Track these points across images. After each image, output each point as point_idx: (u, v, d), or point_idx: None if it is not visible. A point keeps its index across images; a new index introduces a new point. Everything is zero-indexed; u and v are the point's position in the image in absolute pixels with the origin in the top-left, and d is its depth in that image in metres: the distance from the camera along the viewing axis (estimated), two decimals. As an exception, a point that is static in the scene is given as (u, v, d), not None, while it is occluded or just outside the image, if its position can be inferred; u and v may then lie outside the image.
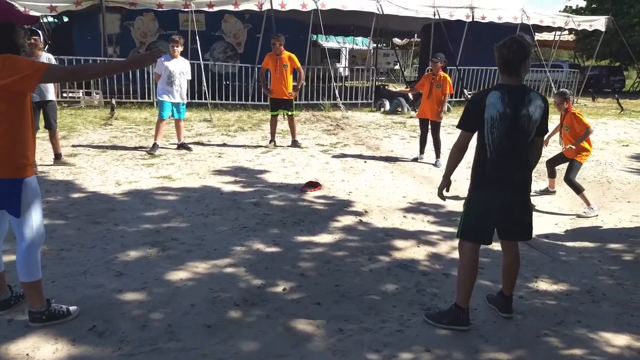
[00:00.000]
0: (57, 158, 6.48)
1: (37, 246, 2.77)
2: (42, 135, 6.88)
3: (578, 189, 5.38)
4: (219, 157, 7.35)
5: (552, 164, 5.83)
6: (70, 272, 3.48)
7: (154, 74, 7.46)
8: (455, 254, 3.99)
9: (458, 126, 2.92)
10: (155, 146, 7.45)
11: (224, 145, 8.22)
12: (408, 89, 10.07)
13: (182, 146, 7.81)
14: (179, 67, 7.39)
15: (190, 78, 7.72)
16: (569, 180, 5.41)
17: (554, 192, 5.96)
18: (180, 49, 7.40)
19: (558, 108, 5.56)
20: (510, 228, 2.97)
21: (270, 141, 8.26)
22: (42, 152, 6.89)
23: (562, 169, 5.73)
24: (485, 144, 2.83)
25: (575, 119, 5.39)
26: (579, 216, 5.24)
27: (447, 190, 3.12)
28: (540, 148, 3.08)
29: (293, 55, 7.98)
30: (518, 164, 2.87)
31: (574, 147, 5.34)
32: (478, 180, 2.92)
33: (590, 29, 16.81)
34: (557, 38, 17.94)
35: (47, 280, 3.22)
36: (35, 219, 2.73)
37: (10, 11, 2.63)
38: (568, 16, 17.11)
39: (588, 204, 5.31)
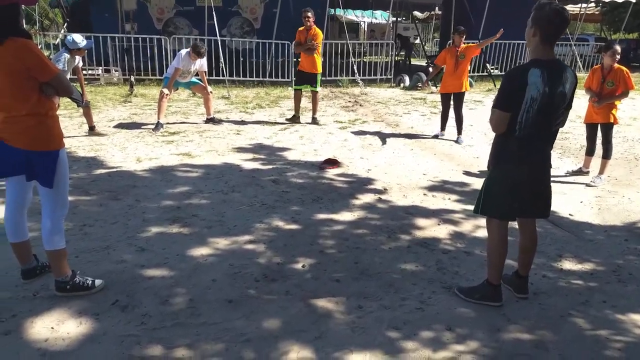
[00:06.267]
0: (91, 129, 6.81)
1: (62, 216, 2.85)
2: (62, 112, 6.94)
3: (609, 155, 5.45)
4: (238, 134, 7.33)
5: (593, 138, 5.60)
6: (94, 247, 3.53)
7: (174, 67, 7.28)
8: (478, 233, 3.96)
9: (495, 106, 2.73)
10: (158, 125, 7.26)
11: (242, 122, 8.19)
12: (430, 75, 9.47)
13: (210, 120, 7.87)
14: (195, 67, 7.42)
15: (206, 70, 7.74)
16: (610, 142, 5.45)
17: (588, 172, 5.67)
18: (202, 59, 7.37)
19: (610, 61, 5.24)
20: (531, 205, 2.87)
21: (294, 116, 8.21)
22: (63, 129, 6.95)
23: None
24: (516, 121, 2.68)
25: (624, 76, 5.24)
26: (587, 185, 5.34)
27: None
28: (565, 119, 2.91)
29: (319, 32, 7.89)
30: (546, 141, 2.79)
31: (598, 103, 5.27)
32: (502, 156, 2.81)
33: (620, 0, 16.13)
34: (582, 10, 17.29)
35: (71, 255, 3.27)
36: (63, 190, 2.82)
37: None
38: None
39: (602, 172, 5.44)
